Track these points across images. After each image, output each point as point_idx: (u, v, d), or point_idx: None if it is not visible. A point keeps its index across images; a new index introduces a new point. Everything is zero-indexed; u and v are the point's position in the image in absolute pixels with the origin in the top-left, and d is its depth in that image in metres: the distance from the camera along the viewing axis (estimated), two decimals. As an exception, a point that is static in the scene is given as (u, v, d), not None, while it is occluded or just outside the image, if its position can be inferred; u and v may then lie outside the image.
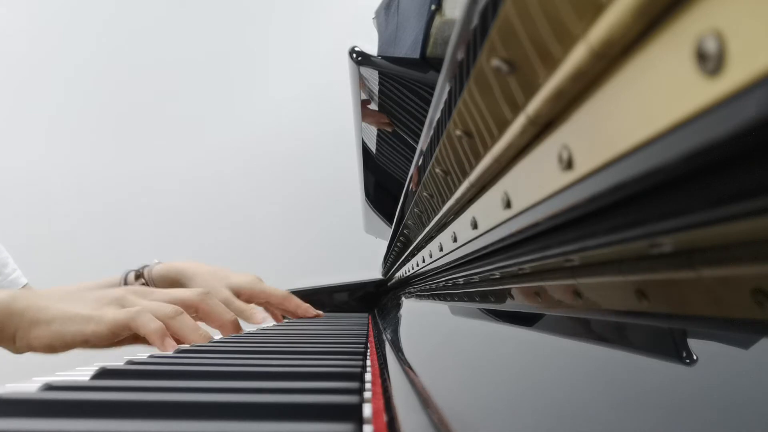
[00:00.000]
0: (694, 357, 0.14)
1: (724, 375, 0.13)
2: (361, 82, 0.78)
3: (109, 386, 0.30)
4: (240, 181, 2.16)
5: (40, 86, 2.14)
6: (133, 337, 0.62)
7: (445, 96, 0.28)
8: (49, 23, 2.15)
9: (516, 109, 0.18)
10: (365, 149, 1.04)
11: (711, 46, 0.09)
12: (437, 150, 0.32)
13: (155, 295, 0.67)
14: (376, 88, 0.79)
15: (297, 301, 0.94)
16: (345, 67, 0.82)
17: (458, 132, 0.26)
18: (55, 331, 0.60)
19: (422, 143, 0.40)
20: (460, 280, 0.44)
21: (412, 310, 0.68)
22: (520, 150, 0.20)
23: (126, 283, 0.89)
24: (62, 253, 2.07)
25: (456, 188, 0.31)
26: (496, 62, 0.18)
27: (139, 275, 0.91)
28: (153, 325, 0.59)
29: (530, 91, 0.17)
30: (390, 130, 0.80)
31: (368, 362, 0.42)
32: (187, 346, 0.57)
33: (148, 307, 0.62)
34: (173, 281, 0.90)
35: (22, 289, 0.68)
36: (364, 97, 0.84)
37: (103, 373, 0.35)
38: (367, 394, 0.30)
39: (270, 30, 2.17)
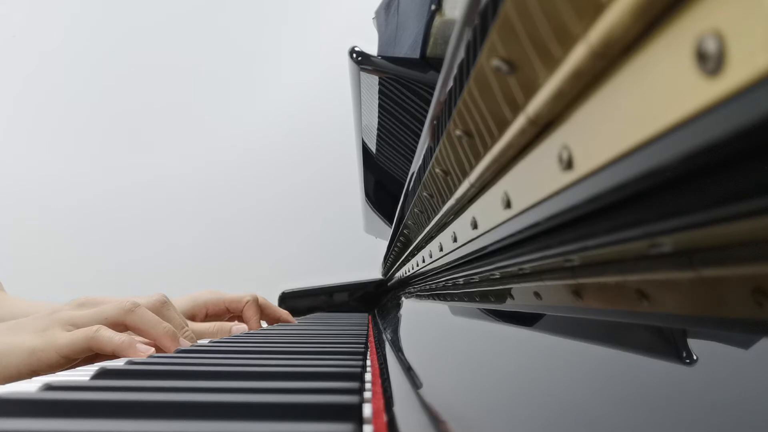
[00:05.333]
0: (694, 357, 0.14)
1: (724, 375, 0.13)
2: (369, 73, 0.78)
3: (109, 386, 0.30)
4: (240, 181, 2.16)
5: (35, 85, 2.14)
6: (89, 357, 0.56)
7: (445, 96, 0.28)
8: (47, 20, 2.15)
9: (516, 109, 0.18)
10: (365, 149, 1.04)
11: (711, 46, 0.09)
12: (437, 150, 0.32)
13: (103, 305, 0.59)
14: (376, 86, 0.79)
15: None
16: (345, 67, 0.82)
17: (458, 132, 0.26)
18: None
19: (422, 143, 0.40)
20: (460, 280, 0.44)
21: (412, 310, 0.68)
22: (520, 150, 0.20)
23: None
24: (55, 254, 2.08)
25: (456, 188, 0.31)
26: (496, 62, 0.18)
27: None
28: (117, 339, 0.53)
29: (530, 91, 0.17)
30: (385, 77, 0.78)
31: (368, 362, 0.42)
32: (187, 346, 0.56)
33: (101, 312, 0.57)
34: None
35: None
36: (364, 97, 0.84)
37: (103, 373, 0.35)
38: (367, 394, 0.30)
39: (269, 30, 2.17)
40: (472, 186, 0.27)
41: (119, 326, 0.57)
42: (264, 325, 0.92)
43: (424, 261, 0.57)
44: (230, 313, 0.87)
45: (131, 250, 2.12)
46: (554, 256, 0.22)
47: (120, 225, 2.13)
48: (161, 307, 0.61)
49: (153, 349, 0.53)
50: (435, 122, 0.32)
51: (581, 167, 0.15)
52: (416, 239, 0.57)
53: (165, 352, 0.57)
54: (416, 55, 0.72)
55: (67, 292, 0.63)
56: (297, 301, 1.35)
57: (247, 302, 0.86)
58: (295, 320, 0.96)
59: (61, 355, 0.54)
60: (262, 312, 0.89)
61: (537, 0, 0.15)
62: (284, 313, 0.94)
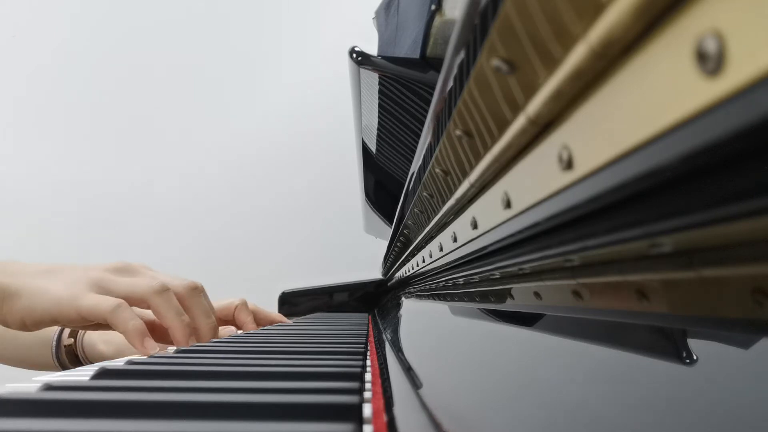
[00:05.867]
0: (694, 357, 0.14)
1: (724, 375, 0.13)
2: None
3: (109, 386, 0.30)
4: (240, 181, 2.16)
5: (35, 85, 2.14)
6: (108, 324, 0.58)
7: (445, 96, 0.28)
8: (47, 20, 2.15)
9: (516, 109, 0.18)
10: (365, 149, 1.04)
11: (711, 46, 0.09)
12: (437, 150, 0.32)
13: (137, 277, 0.62)
14: (376, 86, 0.79)
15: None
16: (345, 67, 0.82)
17: (458, 132, 0.26)
18: (26, 306, 0.58)
19: (422, 143, 0.40)
20: (460, 280, 0.44)
21: (412, 310, 0.68)
22: (520, 150, 0.20)
23: (61, 335, 0.77)
24: (55, 254, 2.07)
25: (456, 188, 0.31)
26: (496, 62, 0.18)
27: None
28: (132, 324, 0.55)
29: (530, 91, 0.17)
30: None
31: (368, 362, 0.42)
32: (187, 346, 0.57)
33: (131, 285, 0.59)
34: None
35: None
36: (364, 97, 0.84)
37: (103, 373, 0.35)
38: (367, 394, 0.30)
39: (269, 31, 2.17)
40: (472, 186, 0.27)
41: (144, 303, 0.60)
42: None
43: (424, 261, 0.57)
44: (222, 321, 0.86)
45: (131, 251, 2.12)
46: (554, 256, 0.22)
47: (120, 225, 2.13)
48: (191, 293, 0.63)
49: (158, 348, 0.54)
50: (435, 122, 0.32)
51: (581, 167, 0.15)
52: (416, 239, 0.57)
53: (176, 343, 0.58)
54: (416, 55, 0.72)
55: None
56: (297, 301, 1.34)
57: (236, 307, 0.85)
58: (290, 321, 0.95)
59: (80, 315, 0.57)
60: (255, 317, 0.88)
61: (537, 0, 0.15)
62: (278, 316, 0.93)
